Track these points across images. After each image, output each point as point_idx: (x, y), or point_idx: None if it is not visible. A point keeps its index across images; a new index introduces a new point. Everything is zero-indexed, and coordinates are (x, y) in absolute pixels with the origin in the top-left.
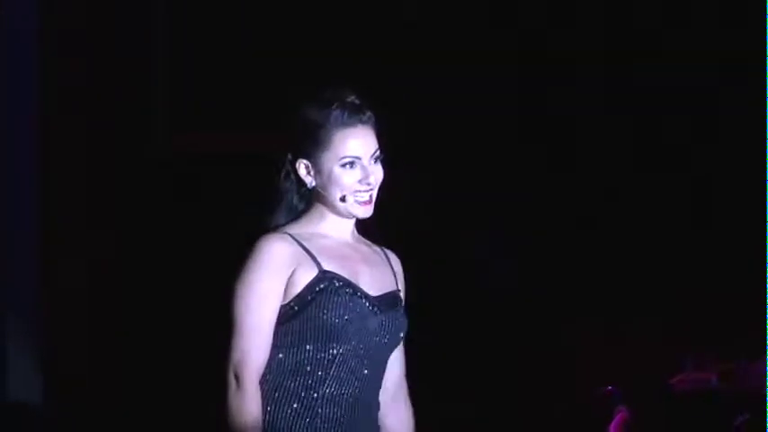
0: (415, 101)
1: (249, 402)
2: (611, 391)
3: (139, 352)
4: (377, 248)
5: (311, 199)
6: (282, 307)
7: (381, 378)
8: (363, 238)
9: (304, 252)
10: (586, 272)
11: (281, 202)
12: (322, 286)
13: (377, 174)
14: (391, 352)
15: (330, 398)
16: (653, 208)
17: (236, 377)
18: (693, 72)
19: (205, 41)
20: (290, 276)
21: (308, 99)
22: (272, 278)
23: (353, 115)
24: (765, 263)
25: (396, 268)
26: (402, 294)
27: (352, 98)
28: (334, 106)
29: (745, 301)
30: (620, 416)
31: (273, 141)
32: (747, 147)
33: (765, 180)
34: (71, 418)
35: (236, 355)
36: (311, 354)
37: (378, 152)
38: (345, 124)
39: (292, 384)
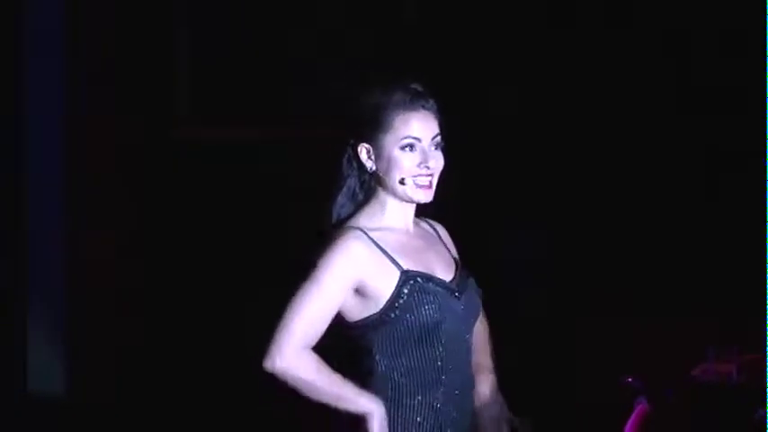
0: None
1: (298, 365)
2: (630, 383)
3: (163, 340)
4: (425, 225)
5: (371, 188)
6: (376, 315)
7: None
8: (416, 219)
9: (381, 252)
10: (609, 262)
11: (343, 187)
12: (409, 287)
13: (438, 159)
14: (474, 325)
15: (447, 395)
16: (673, 198)
17: (280, 349)
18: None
19: (223, 34)
20: (369, 279)
21: (370, 84)
22: (345, 281)
23: (416, 100)
24: None
25: (445, 238)
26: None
27: (415, 85)
28: (397, 90)
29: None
30: (639, 407)
31: (290, 130)
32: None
33: None
34: (92, 408)
35: (283, 334)
36: (421, 357)
37: (439, 138)
38: (408, 107)
39: (410, 391)
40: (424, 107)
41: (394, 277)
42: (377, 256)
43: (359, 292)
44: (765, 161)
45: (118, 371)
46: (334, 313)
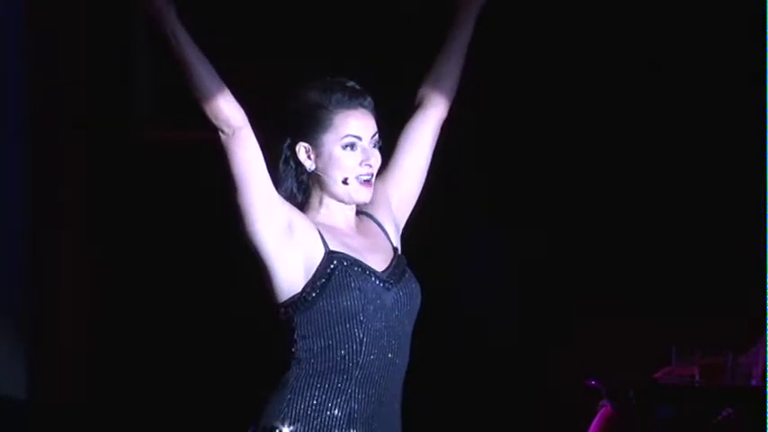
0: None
1: None
2: (594, 386)
3: (125, 346)
4: (365, 218)
5: (309, 187)
6: (298, 294)
7: (407, 357)
8: (356, 216)
9: (314, 226)
10: (571, 267)
11: (281, 188)
12: (332, 266)
13: (377, 157)
14: (412, 323)
15: (361, 383)
16: (641, 203)
17: None
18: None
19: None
20: (298, 230)
21: (307, 83)
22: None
23: (354, 98)
24: (763, 260)
25: (381, 219)
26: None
27: (352, 83)
28: (335, 89)
29: (733, 295)
30: (603, 411)
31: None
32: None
33: (764, 179)
34: (53, 409)
35: None
36: (339, 342)
37: (377, 136)
38: (347, 106)
39: (322, 375)
40: (362, 105)
41: (319, 253)
42: (310, 225)
43: (288, 241)
44: (765, 161)
45: (79, 372)
46: (257, 156)
